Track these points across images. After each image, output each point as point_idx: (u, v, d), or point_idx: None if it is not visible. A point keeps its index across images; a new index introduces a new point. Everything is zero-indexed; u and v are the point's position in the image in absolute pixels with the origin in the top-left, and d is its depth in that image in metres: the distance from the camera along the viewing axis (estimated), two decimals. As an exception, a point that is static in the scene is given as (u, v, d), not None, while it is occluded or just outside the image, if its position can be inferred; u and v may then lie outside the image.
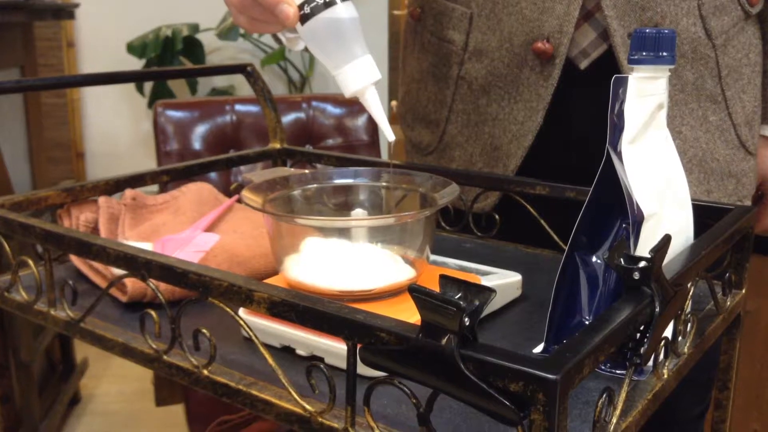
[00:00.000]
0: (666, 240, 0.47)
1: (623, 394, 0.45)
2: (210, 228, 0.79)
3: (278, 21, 0.63)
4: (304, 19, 0.62)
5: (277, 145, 1.01)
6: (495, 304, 0.65)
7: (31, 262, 0.65)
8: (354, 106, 1.79)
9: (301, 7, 0.62)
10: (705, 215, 0.65)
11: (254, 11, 0.65)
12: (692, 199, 0.60)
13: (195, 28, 3.07)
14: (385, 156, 2.69)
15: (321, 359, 0.54)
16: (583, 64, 0.81)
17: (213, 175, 1.65)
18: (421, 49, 0.93)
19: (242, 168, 1.60)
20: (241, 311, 0.58)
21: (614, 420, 0.44)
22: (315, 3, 0.62)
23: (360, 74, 0.63)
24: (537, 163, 0.84)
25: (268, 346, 0.51)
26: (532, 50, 0.80)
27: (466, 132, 0.88)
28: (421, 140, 0.95)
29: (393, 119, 1.13)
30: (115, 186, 0.82)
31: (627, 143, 0.53)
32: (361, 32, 0.63)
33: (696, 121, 0.82)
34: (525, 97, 0.82)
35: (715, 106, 0.82)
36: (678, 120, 0.81)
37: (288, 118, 1.75)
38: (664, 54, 0.54)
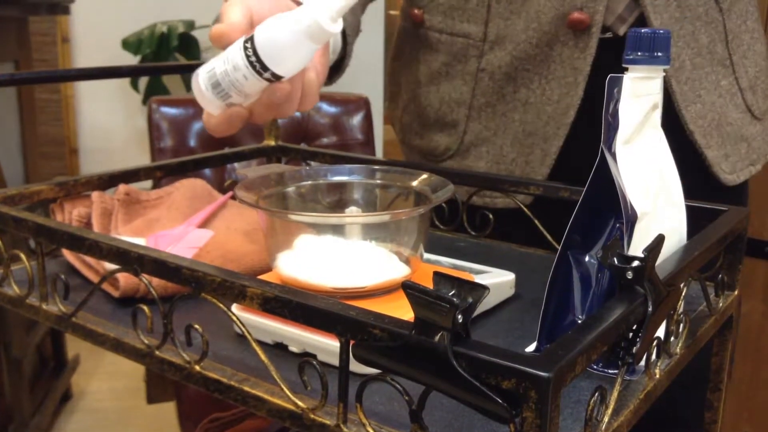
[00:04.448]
0: (659, 240, 0.47)
1: (615, 393, 0.45)
2: (204, 224, 0.79)
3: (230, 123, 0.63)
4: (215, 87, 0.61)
5: (272, 142, 1.01)
6: (488, 302, 0.65)
7: (23, 256, 0.65)
8: (350, 105, 1.79)
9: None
10: (699, 216, 0.66)
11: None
12: (685, 201, 0.60)
13: (191, 24, 3.06)
14: (379, 155, 2.68)
15: (314, 356, 0.54)
16: (622, 30, 0.80)
17: (207, 171, 1.64)
18: (428, 51, 0.91)
19: (236, 165, 1.60)
20: (234, 307, 0.58)
21: (606, 419, 0.44)
22: (210, 70, 0.61)
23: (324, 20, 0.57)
24: (579, 144, 0.81)
25: (260, 343, 0.50)
26: (568, 22, 0.79)
27: (492, 125, 0.87)
28: (436, 146, 0.93)
29: (388, 118, 1.12)
30: (108, 181, 0.82)
31: (621, 143, 0.53)
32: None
33: (711, 85, 0.84)
34: (558, 74, 0.81)
35: (724, 70, 0.84)
36: (697, 83, 0.82)
37: (283, 116, 1.75)
38: (659, 54, 0.54)
